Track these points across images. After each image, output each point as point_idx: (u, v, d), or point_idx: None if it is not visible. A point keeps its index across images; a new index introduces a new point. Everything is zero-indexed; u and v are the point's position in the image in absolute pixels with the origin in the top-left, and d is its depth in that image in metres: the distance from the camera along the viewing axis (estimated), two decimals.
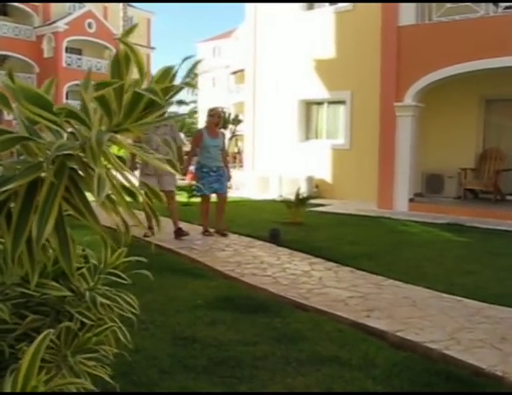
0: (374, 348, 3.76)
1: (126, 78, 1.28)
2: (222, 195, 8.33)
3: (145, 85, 1.33)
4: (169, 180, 7.75)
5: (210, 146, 8.12)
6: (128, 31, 1.34)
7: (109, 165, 1.27)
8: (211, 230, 8.27)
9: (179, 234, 7.89)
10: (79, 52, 40.30)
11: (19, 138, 1.25)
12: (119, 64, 1.28)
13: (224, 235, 8.14)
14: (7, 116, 32.91)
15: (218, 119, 8.48)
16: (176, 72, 1.38)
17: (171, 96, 1.35)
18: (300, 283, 5.45)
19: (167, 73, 1.36)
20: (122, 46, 1.29)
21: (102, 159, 1.19)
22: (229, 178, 8.67)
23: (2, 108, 1.32)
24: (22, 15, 38.67)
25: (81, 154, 1.24)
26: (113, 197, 1.32)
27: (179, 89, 1.41)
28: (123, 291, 1.85)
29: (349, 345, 3.80)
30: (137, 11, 43.56)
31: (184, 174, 8.32)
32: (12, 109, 1.32)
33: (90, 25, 39.68)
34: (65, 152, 1.18)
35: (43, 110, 1.22)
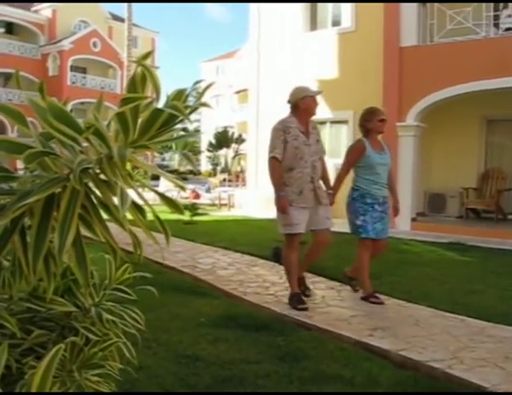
0: (377, 367, 3.75)
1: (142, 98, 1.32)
2: (385, 242, 5.71)
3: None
4: (326, 213, 5.41)
5: (377, 165, 5.52)
6: (146, 55, 1.39)
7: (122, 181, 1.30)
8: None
9: (300, 298, 5.29)
10: (84, 70, 40.72)
11: (41, 153, 1.29)
12: (136, 85, 1.33)
13: (355, 291, 5.85)
14: (11, 133, 33.15)
15: (384, 124, 5.67)
16: (189, 93, 1.42)
17: (188, 114, 1.38)
18: None
19: (181, 94, 1.40)
20: (139, 68, 1.34)
21: (119, 174, 1.23)
22: (396, 210, 5.84)
23: (19, 126, 1.36)
24: (28, 33, 39.17)
25: (96, 170, 1.28)
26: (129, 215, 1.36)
27: (194, 109, 1.44)
28: (129, 306, 1.87)
29: (352, 364, 3.79)
30: (142, 31, 44.06)
31: (331, 204, 5.51)
32: (29, 127, 1.36)
33: (95, 44, 40.15)
34: (86, 166, 1.22)
35: (67, 127, 1.26)
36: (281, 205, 5.13)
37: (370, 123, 5.59)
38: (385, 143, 5.87)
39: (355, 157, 5.59)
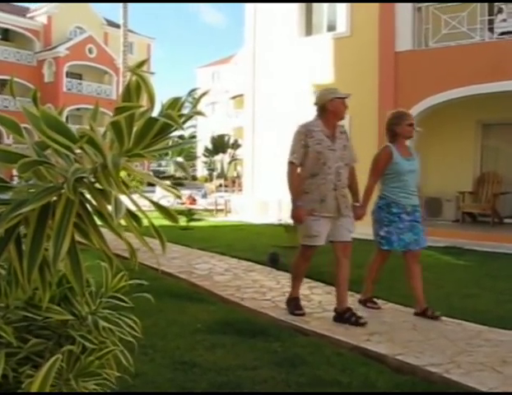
0: (374, 372, 3.74)
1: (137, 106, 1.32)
2: (415, 253, 5.28)
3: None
4: (348, 225, 5.02)
5: (405, 173, 5.22)
6: (140, 63, 1.39)
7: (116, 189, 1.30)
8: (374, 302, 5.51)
9: (349, 317, 4.86)
10: (79, 77, 40.73)
11: (35, 162, 1.29)
12: (130, 93, 1.33)
13: (436, 318, 5.06)
14: (7, 140, 33.11)
15: (413, 128, 5.47)
16: (184, 101, 1.42)
17: (183, 123, 1.38)
18: None
19: (176, 103, 1.40)
20: (133, 76, 1.34)
21: (113, 182, 1.23)
22: (423, 219, 5.41)
23: (14, 135, 1.37)
24: (23, 40, 39.18)
25: (91, 179, 1.28)
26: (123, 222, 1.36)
27: (189, 117, 1.44)
28: (126, 314, 1.87)
29: (349, 369, 3.79)
30: (138, 37, 44.12)
31: (360, 218, 5.18)
32: (23, 136, 1.36)
33: (90, 51, 40.17)
34: (81, 175, 1.22)
35: (61, 136, 1.27)
36: (296, 216, 4.93)
37: (398, 127, 5.34)
38: (413, 148, 5.64)
39: (382, 165, 5.28)
